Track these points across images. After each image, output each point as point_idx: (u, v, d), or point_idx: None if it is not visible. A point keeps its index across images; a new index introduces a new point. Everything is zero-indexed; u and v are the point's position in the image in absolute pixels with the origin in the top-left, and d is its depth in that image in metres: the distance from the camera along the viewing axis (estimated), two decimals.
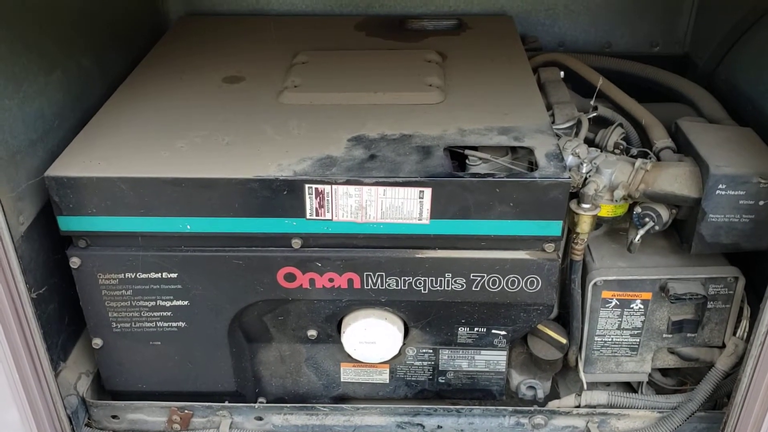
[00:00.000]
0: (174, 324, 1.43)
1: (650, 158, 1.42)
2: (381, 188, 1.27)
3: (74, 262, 1.35)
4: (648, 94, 1.76)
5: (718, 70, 1.87)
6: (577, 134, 1.49)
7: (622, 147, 1.48)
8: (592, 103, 1.55)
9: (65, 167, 1.31)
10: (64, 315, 1.49)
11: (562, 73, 1.71)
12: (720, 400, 1.51)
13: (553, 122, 1.50)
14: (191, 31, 1.94)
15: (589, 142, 1.49)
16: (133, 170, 1.29)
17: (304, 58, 1.70)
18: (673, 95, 1.76)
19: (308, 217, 1.30)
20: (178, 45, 1.85)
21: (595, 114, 1.54)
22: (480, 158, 1.36)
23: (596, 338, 1.50)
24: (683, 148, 1.45)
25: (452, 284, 1.37)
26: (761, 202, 1.32)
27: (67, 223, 1.32)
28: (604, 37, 2.11)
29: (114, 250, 1.35)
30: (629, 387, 1.63)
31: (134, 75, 1.68)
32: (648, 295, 1.44)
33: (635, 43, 2.11)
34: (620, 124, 1.51)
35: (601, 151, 1.42)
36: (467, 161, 1.37)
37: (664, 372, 1.60)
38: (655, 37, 2.11)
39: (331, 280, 1.37)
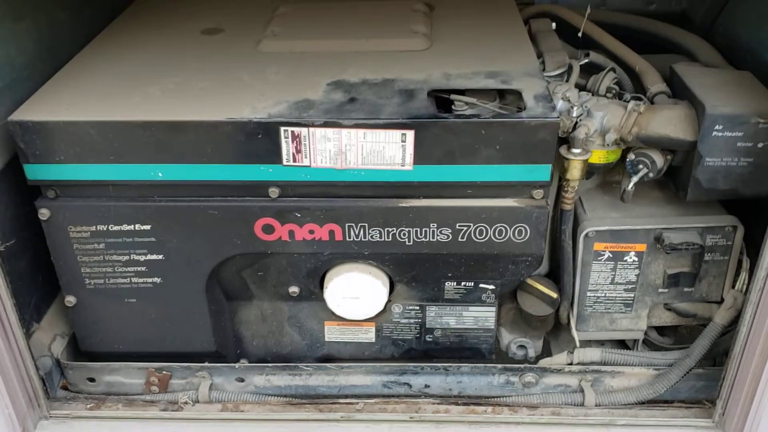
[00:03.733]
0: (149, 280, 1.37)
1: (644, 102, 1.36)
2: (361, 131, 1.22)
3: (43, 213, 1.30)
4: (644, 48, 1.69)
5: (716, 23, 1.80)
6: (568, 80, 1.43)
7: (614, 92, 1.42)
8: (581, 50, 1.50)
9: (31, 112, 1.25)
10: (37, 274, 1.43)
11: (553, 24, 1.64)
12: (718, 358, 1.46)
13: (543, 70, 1.44)
14: None
15: (581, 89, 1.43)
16: (102, 114, 1.24)
17: (285, 10, 1.64)
18: (669, 47, 1.69)
19: (285, 163, 1.25)
20: (158, 1, 1.78)
21: (586, 60, 1.48)
22: (466, 103, 1.30)
23: (588, 293, 1.44)
24: (679, 92, 1.39)
25: (437, 235, 1.31)
26: (760, 144, 1.25)
27: (35, 172, 1.27)
28: None
29: (84, 200, 1.30)
30: (624, 346, 1.57)
31: (110, 27, 1.63)
32: (642, 247, 1.39)
33: (631, 0, 2.04)
34: (612, 69, 1.45)
35: (593, 96, 1.36)
36: (453, 107, 1.31)
37: (661, 331, 1.55)
38: None
39: (311, 231, 1.31)
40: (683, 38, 1.65)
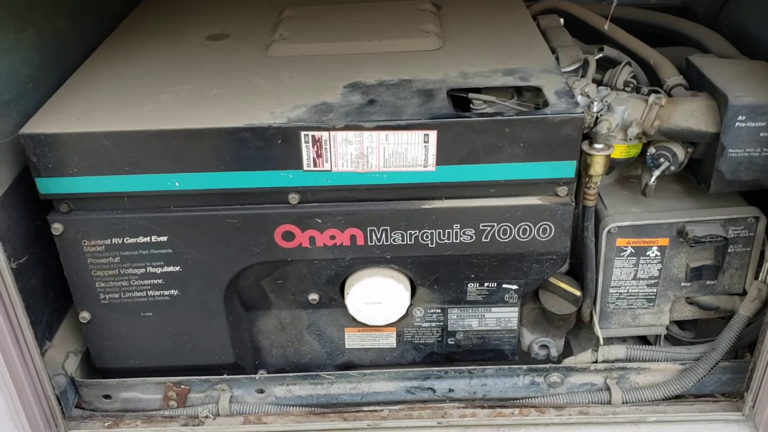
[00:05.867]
0: (166, 292, 1.34)
1: (663, 95, 1.35)
2: (383, 133, 1.19)
3: (56, 228, 1.26)
4: (651, 41, 1.68)
5: (720, 15, 1.80)
6: (584, 75, 1.42)
7: (632, 85, 1.40)
8: (600, 45, 1.48)
9: (42, 124, 1.22)
10: (48, 290, 1.39)
11: (561, 20, 1.63)
12: (741, 352, 1.45)
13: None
14: None
15: (597, 84, 1.41)
16: (115, 124, 1.20)
17: (291, 14, 1.61)
18: (678, 39, 1.69)
19: (305, 168, 1.22)
20: (159, 9, 1.75)
21: (601, 54, 1.47)
22: (485, 101, 1.29)
23: (611, 290, 1.43)
24: (696, 84, 1.38)
25: (461, 236, 1.29)
26: None
27: (47, 186, 1.23)
28: None
29: (98, 213, 1.26)
30: (645, 342, 1.56)
31: (114, 36, 1.60)
32: (665, 241, 1.37)
33: None
34: (628, 63, 1.44)
35: (611, 90, 1.35)
36: (471, 105, 1.30)
37: (681, 325, 1.54)
38: None
39: (332, 237, 1.29)
40: (693, 30, 1.64)
